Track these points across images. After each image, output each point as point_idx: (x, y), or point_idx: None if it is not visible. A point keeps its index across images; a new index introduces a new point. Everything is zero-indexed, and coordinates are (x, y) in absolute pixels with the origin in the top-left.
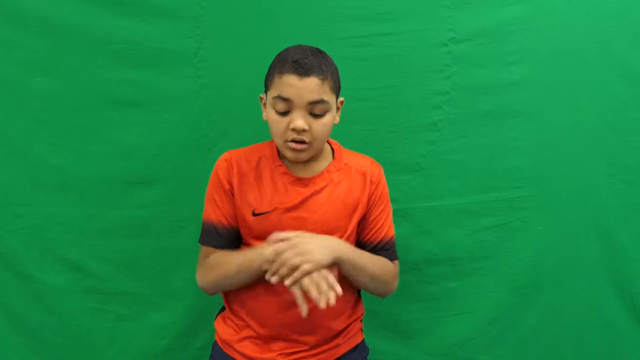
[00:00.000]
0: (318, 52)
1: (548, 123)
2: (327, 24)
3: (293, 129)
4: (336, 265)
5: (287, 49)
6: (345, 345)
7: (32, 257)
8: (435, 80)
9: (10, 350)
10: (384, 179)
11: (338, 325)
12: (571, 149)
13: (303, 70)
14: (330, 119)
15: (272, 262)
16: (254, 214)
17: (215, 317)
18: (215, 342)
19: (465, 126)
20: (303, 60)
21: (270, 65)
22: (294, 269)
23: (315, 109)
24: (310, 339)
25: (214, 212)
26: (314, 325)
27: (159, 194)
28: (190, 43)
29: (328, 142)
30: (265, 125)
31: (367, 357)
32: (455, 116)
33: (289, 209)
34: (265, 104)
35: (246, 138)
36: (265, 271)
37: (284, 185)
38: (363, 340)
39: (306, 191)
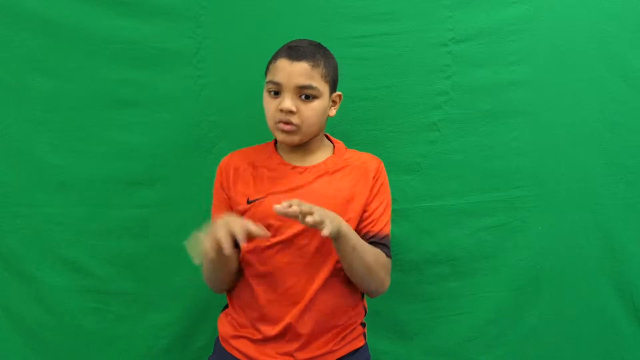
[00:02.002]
0: (317, 44)
1: (548, 123)
2: (327, 24)
3: (281, 110)
4: (335, 241)
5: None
6: (344, 349)
7: (32, 257)
8: (435, 80)
9: (10, 350)
10: (384, 174)
11: (335, 320)
12: (571, 149)
13: (295, 55)
14: (320, 105)
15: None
16: (248, 202)
17: (219, 315)
18: (217, 339)
19: (465, 126)
20: (297, 46)
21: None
22: (310, 215)
23: (303, 93)
24: (304, 332)
25: (214, 213)
26: (309, 318)
27: (159, 194)
28: (190, 43)
29: (331, 139)
30: (263, 125)
31: None
32: (455, 116)
33: (280, 194)
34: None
35: (246, 138)
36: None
37: (279, 174)
38: (364, 345)
39: (300, 179)
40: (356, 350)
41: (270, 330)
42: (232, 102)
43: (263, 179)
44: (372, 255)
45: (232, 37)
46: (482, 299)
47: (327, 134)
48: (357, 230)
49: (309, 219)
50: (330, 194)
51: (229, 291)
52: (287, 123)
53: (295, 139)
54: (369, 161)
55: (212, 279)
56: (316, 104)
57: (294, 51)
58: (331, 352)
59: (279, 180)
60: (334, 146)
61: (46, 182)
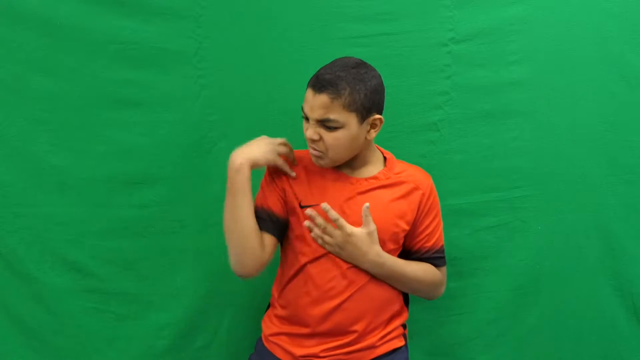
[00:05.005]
0: (351, 67)
1: (548, 123)
2: (327, 24)
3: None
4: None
5: (334, 60)
6: (383, 347)
7: (32, 257)
8: (435, 80)
9: (10, 350)
10: (434, 190)
11: (377, 319)
12: (571, 149)
13: (318, 87)
14: (344, 134)
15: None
16: (301, 206)
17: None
18: (259, 338)
19: (465, 126)
20: (324, 75)
21: None
22: (327, 242)
23: (325, 124)
24: (347, 335)
25: (260, 203)
26: (352, 319)
27: (159, 194)
28: (190, 43)
29: (381, 151)
30: (264, 125)
31: None
32: (455, 116)
33: (333, 204)
34: None
35: (246, 138)
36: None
37: (332, 183)
38: (404, 346)
39: (352, 190)
40: (394, 350)
41: (308, 327)
42: (232, 102)
43: (316, 184)
44: (419, 275)
45: (232, 37)
46: (482, 299)
47: (377, 145)
48: (410, 245)
49: (316, 231)
50: (381, 208)
51: (276, 290)
52: (315, 149)
53: (322, 162)
54: (421, 179)
55: (234, 237)
56: (339, 134)
57: (317, 81)
58: (371, 347)
59: (334, 190)
60: (384, 158)
61: (46, 182)
